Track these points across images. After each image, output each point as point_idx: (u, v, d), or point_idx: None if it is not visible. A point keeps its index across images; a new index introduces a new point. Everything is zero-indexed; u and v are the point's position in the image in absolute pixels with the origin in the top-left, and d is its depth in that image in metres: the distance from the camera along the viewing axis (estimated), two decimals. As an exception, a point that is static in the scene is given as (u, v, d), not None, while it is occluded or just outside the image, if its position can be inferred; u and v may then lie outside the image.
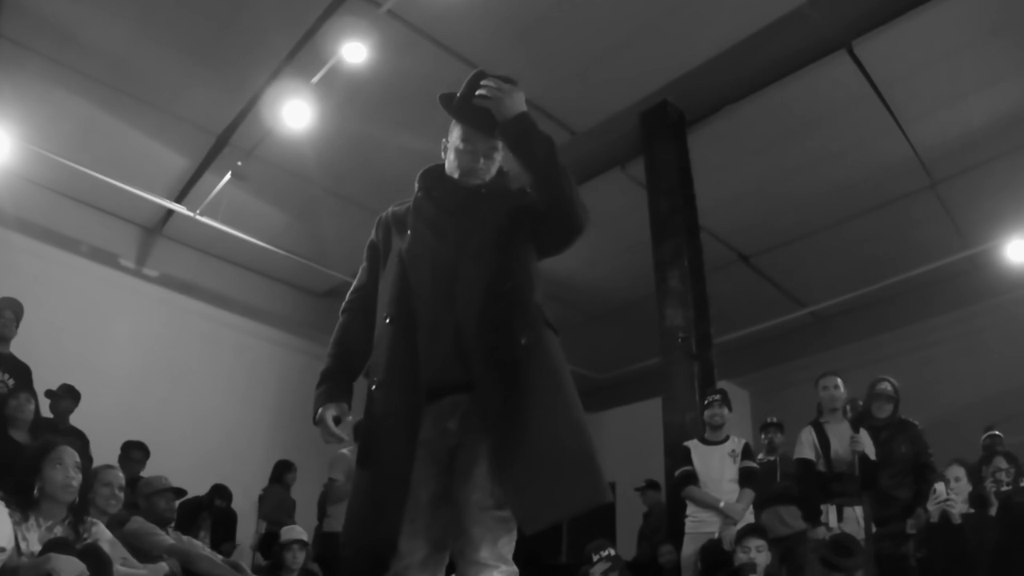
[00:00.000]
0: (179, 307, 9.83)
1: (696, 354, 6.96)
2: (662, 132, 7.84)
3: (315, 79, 6.82)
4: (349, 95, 7.25)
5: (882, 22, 6.80)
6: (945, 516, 5.14)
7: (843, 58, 7.11)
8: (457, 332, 2.24)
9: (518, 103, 2.32)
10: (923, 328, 9.63)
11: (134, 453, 6.74)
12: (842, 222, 9.16)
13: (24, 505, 3.53)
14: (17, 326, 5.84)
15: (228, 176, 8.01)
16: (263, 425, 9.95)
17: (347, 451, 7.33)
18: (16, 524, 3.44)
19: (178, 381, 9.31)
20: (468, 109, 2.40)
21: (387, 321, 2.35)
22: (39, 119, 7.57)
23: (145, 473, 6.56)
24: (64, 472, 3.61)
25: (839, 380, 5.92)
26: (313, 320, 10.88)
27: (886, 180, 8.50)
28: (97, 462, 6.16)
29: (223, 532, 7.57)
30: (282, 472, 8.21)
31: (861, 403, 6.38)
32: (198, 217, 8.47)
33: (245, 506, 8.39)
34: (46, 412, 6.31)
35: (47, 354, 7.02)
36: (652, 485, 8.91)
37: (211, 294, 10.23)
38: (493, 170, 2.52)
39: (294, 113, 6.98)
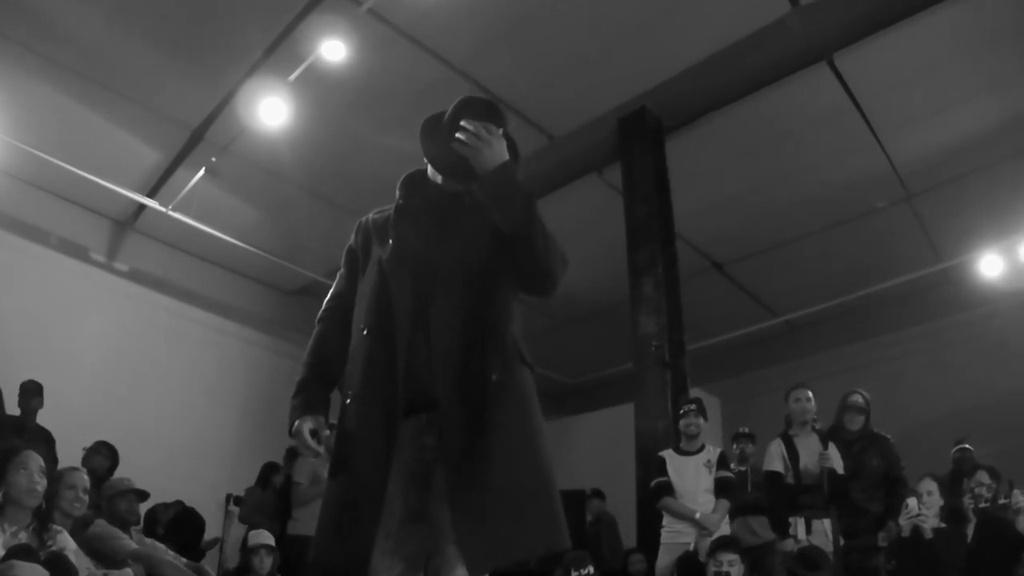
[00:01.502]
0: (149, 302, 9.66)
1: (669, 362, 6.95)
2: (640, 138, 7.82)
3: (292, 77, 6.75)
4: (327, 93, 7.19)
5: (864, 35, 6.82)
6: (917, 530, 5.15)
7: (824, 70, 7.14)
8: (431, 352, 2.18)
9: (498, 153, 2.21)
10: (895, 339, 9.70)
11: (101, 452, 6.62)
12: (817, 232, 9.22)
13: None
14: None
15: (202, 172, 7.89)
16: (231, 422, 9.85)
17: None
18: (-18, 529, 3.40)
19: (145, 377, 9.15)
20: (444, 154, 2.32)
21: (364, 332, 2.29)
22: (10, 108, 7.43)
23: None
24: (28, 477, 3.57)
25: (810, 393, 5.94)
26: (283, 318, 10.83)
27: (862, 192, 8.56)
28: (62, 458, 6.09)
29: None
30: (269, 474, 8.04)
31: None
32: (171, 213, 8.34)
33: (211, 504, 8.26)
34: (11, 409, 6.19)
35: (11, 345, 6.91)
36: (596, 494, 8.93)
37: (182, 290, 10.09)
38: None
39: (270, 110, 6.90)
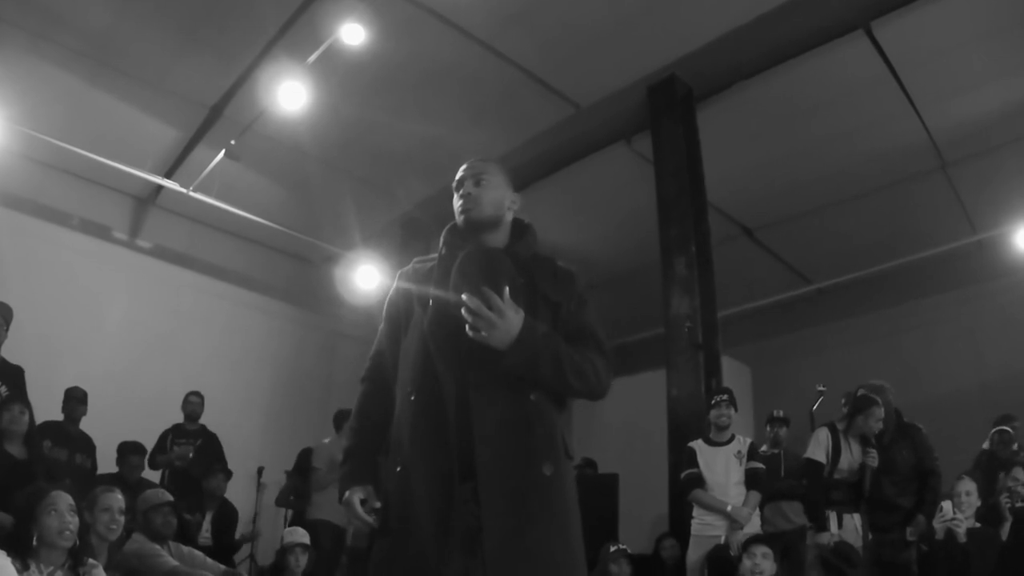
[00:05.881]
0: (173, 278, 9.62)
1: (702, 344, 6.79)
2: (670, 107, 7.60)
3: (311, 59, 6.58)
4: (347, 72, 7.02)
5: (903, 3, 6.55)
6: (950, 533, 5.05)
7: (861, 38, 6.88)
8: (472, 422, 2.12)
9: (510, 325, 2.11)
10: (925, 306, 9.45)
11: (132, 458, 6.63)
12: (848, 200, 8.96)
13: (24, 553, 3.47)
14: (7, 330, 5.63)
15: (221, 155, 7.75)
16: (260, 395, 9.85)
17: (327, 440, 7.21)
18: (18, 572, 3.39)
19: (172, 352, 9.13)
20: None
21: (412, 398, 2.24)
22: (26, 95, 7.29)
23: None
24: (59, 518, 3.53)
25: (882, 412, 5.72)
26: (312, 290, 10.76)
27: (897, 160, 8.29)
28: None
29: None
30: (304, 460, 7.67)
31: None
32: (192, 193, 8.22)
33: (244, 481, 8.27)
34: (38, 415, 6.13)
35: (35, 329, 6.88)
36: (589, 464, 8.90)
37: (206, 264, 10.03)
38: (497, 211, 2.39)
39: (290, 93, 6.74)
